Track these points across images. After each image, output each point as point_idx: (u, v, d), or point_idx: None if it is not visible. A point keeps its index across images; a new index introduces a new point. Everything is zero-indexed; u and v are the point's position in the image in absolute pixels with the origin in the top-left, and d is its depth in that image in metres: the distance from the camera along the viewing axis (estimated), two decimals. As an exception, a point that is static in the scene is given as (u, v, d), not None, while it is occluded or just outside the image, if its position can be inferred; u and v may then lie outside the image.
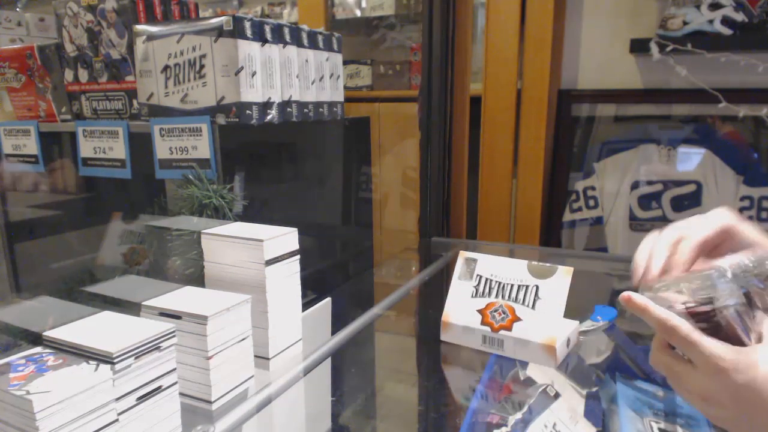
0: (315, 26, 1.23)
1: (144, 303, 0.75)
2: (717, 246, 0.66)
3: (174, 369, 0.67)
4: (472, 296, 0.95)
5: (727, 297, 0.56)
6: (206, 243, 0.88)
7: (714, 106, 1.55)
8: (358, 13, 2.41)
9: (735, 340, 0.55)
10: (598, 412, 0.75)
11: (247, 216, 0.98)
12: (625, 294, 0.63)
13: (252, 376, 0.81)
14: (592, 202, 1.73)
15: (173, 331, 0.66)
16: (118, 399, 0.60)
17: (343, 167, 1.38)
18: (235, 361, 0.77)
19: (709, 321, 0.57)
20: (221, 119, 1.01)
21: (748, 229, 0.66)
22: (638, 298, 0.61)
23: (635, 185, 1.68)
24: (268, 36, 1.06)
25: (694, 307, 0.58)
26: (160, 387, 0.65)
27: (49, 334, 0.63)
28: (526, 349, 0.88)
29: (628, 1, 1.68)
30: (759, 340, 0.56)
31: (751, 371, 0.51)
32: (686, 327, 0.56)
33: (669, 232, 0.67)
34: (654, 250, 0.66)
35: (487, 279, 0.95)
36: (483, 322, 0.92)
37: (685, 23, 1.48)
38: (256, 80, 1.03)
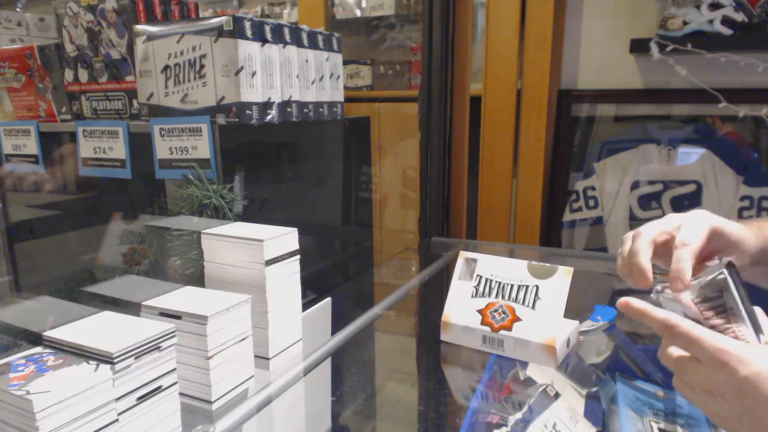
0: (315, 26, 1.23)
1: (144, 303, 0.75)
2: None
3: (174, 369, 0.67)
4: (472, 296, 0.95)
5: (735, 290, 0.56)
6: (206, 243, 0.88)
7: (714, 106, 1.55)
8: (358, 13, 2.41)
9: (742, 340, 0.55)
10: (598, 412, 0.75)
11: (247, 216, 0.98)
12: (622, 300, 0.63)
13: (252, 376, 0.81)
14: (592, 202, 1.73)
15: (173, 331, 0.66)
16: (118, 399, 0.60)
17: (343, 167, 1.38)
18: (235, 361, 0.77)
19: (718, 316, 0.57)
20: (221, 119, 1.01)
21: (730, 227, 0.68)
22: (636, 302, 0.62)
23: (635, 185, 1.68)
24: (268, 36, 1.05)
25: (703, 301, 0.58)
26: (160, 387, 0.65)
27: (49, 334, 0.63)
28: (526, 349, 0.88)
29: (628, 1, 1.68)
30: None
31: (756, 365, 0.51)
32: (686, 324, 0.56)
33: (646, 230, 0.69)
34: (638, 248, 0.67)
35: (487, 279, 0.95)
36: (483, 322, 0.92)
37: (685, 23, 1.48)
38: (256, 80, 1.03)
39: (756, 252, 0.69)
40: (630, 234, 0.70)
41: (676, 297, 0.61)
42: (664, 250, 0.68)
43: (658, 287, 0.63)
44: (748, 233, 0.69)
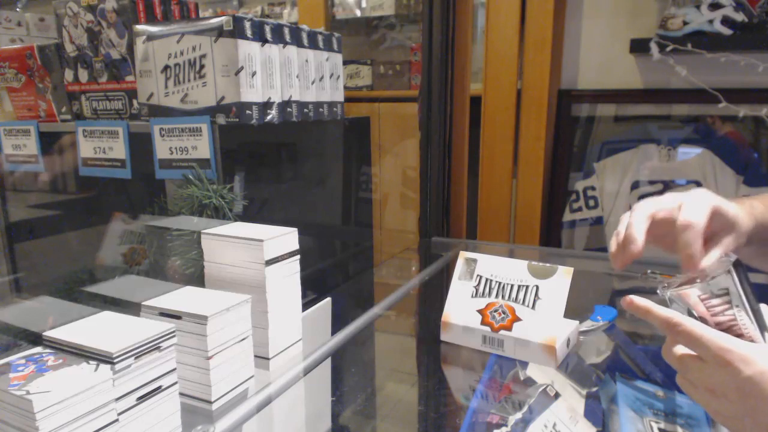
0: (315, 26, 1.23)
1: (144, 303, 0.75)
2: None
3: (174, 369, 0.67)
4: (472, 296, 0.95)
5: (741, 288, 0.57)
6: (206, 243, 0.88)
7: (714, 106, 1.55)
8: (358, 13, 2.41)
9: (747, 338, 0.56)
10: (598, 412, 0.75)
11: (247, 216, 0.98)
12: (627, 297, 0.63)
13: (252, 376, 0.81)
14: (592, 202, 1.73)
15: (173, 331, 0.66)
16: (118, 399, 0.60)
17: (343, 167, 1.38)
18: (235, 361, 0.77)
19: (723, 314, 0.57)
20: (221, 119, 1.01)
21: (727, 207, 0.67)
22: (640, 300, 0.61)
23: (635, 185, 1.68)
24: (268, 36, 1.05)
25: (709, 298, 0.58)
26: (160, 387, 0.65)
27: (49, 334, 0.63)
28: (526, 349, 0.88)
29: (628, 1, 1.68)
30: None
31: (760, 364, 0.51)
32: (690, 322, 0.56)
33: (645, 204, 0.68)
34: (633, 220, 0.66)
35: (487, 279, 0.95)
36: (483, 322, 0.92)
37: (685, 23, 1.48)
38: (256, 80, 1.03)
39: (749, 231, 0.68)
40: (627, 213, 0.69)
41: (681, 295, 0.61)
42: (662, 229, 0.67)
43: (665, 283, 0.63)
44: (742, 212, 0.68)
